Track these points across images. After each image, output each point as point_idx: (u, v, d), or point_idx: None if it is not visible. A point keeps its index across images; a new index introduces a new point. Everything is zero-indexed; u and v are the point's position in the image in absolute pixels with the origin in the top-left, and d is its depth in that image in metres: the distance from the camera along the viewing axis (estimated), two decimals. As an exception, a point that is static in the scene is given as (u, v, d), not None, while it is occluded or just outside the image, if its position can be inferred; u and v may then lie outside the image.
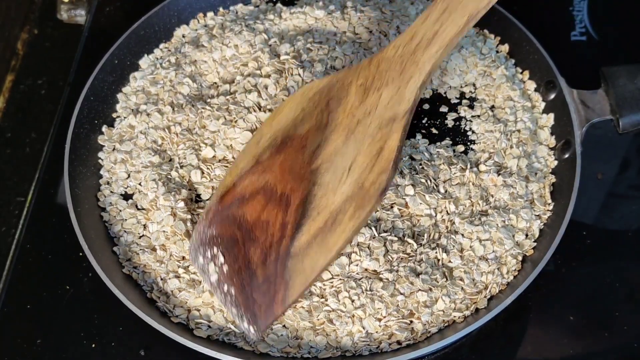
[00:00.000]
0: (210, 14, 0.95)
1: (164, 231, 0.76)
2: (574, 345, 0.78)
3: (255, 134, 0.71)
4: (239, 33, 0.88)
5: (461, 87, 0.88)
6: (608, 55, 0.98)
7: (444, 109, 0.86)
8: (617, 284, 0.81)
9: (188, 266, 0.75)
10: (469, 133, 0.84)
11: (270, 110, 0.80)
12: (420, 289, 0.72)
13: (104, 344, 0.78)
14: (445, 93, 0.88)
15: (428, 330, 0.72)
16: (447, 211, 0.76)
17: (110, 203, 0.80)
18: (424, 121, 0.85)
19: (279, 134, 0.67)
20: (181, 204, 0.76)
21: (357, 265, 0.72)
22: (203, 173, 0.79)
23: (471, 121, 0.85)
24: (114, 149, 0.83)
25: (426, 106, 0.87)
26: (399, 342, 0.71)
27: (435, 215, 0.76)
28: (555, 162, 0.82)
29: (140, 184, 0.80)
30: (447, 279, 0.73)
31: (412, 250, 0.74)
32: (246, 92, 0.82)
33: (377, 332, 0.71)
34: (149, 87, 0.87)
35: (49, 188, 0.88)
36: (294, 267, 0.62)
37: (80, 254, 0.78)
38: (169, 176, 0.79)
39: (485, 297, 0.73)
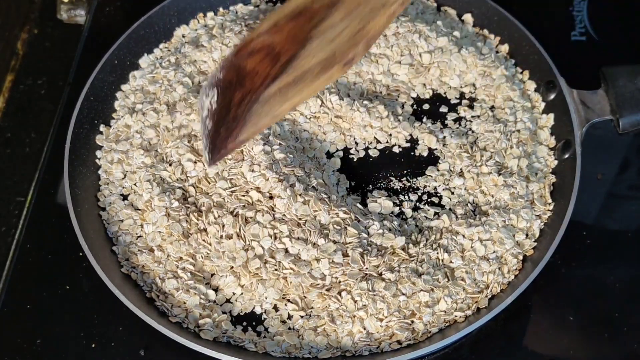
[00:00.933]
0: (210, 14, 0.95)
1: (159, 232, 0.76)
2: (574, 345, 0.78)
3: (283, 6, 0.75)
4: (239, 33, 0.88)
5: (461, 87, 0.88)
6: (608, 55, 0.98)
7: (444, 109, 0.86)
8: (617, 284, 0.81)
9: (185, 267, 0.75)
10: (469, 133, 0.84)
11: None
12: (422, 289, 0.72)
13: (104, 343, 0.78)
14: (445, 93, 0.87)
15: (429, 330, 0.72)
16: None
17: (110, 203, 0.80)
18: (424, 121, 0.85)
19: (301, 6, 0.72)
20: (175, 204, 0.76)
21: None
22: (196, 164, 0.79)
23: (471, 121, 0.85)
24: (111, 149, 0.83)
25: (426, 106, 0.87)
26: (399, 342, 0.71)
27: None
28: (555, 162, 0.82)
29: (135, 185, 0.80)
30: (448, 279, 0.73)
31: (414, 252, 0.74)
32: (246, 91, 0.82)
33: (378, 332, 0.71)
34: (148, 86, 0.87)
35: (49, 188, 0.88)
36: (255, 110, 0.68)
37: (80, 253, 0.78)
38: (162, 176, 0.79)
39: (486, 296, 0.73)
